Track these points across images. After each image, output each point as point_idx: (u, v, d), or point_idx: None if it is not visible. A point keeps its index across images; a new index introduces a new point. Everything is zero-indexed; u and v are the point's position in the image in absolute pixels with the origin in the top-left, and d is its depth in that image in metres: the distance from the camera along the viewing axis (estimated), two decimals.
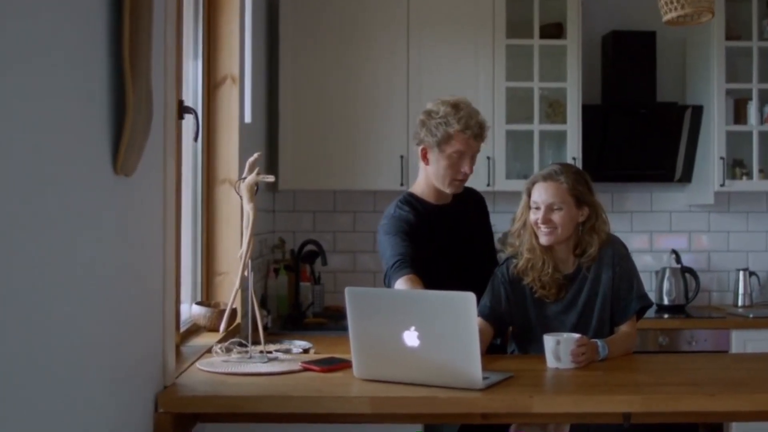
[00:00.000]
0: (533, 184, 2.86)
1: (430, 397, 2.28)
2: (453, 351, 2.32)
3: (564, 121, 4.70)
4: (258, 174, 2.71)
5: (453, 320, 2.32)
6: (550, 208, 2.79)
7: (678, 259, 4.90)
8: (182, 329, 3.03)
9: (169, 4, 2.34)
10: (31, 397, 1.49)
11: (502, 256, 3.06)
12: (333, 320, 4.31)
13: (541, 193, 2.81)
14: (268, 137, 4.62)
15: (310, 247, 4.50)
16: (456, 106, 2.99)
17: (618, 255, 2.87)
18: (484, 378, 2.32)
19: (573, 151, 4.63)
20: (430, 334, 2.35)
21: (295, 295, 4.47)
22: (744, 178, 4.80)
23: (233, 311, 2.88)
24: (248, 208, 2.70)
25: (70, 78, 1.68)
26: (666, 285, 4.79)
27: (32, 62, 1.49)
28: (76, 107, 1.72)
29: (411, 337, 2.35)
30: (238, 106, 3.61)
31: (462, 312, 2.30)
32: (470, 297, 2.29)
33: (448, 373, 2.33)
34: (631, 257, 2.93)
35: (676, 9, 2.77)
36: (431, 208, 3.09)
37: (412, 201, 3.09)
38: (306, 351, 3.10)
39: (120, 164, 1.91)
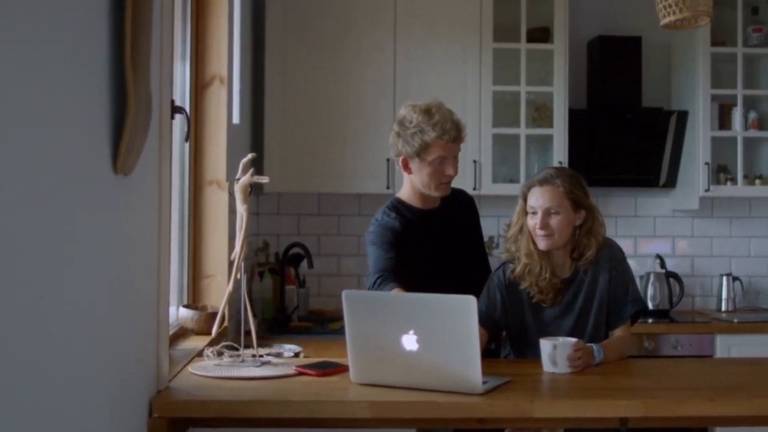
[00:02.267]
0: (529, 188, 2.83)
1: (430, 401, 2.25)
2: (453, 355, 2.29)
3: (550, 125, 4.70)
4: (252, 175, 2.66)
5: (453, 324, 2.29)
6: (547, 213, 2.77)
7: (662, 264, 4.91)
8: (170, 332, 2.98)
9: (164, 5, 2.30)
10: (26, 403, 1.45)
11: (491, 260, 3.03)
12: (318, 324, 4.28)
13: (537, 198, 2.79)
14: (253, 139, 4.57)
15: (295, 250, 4.46)
16: (428, 112, 2.92)
17: (615, 258, 2.86)
18: (483, 382, 2.29)
19: (559, 155, 4.62)
20: (429, 337, 2.32)
21: (280, 298, 4.42)
22: (728, 183, 4.83)
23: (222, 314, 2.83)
24: (242, 209, 2.65)
25: (71, 77, 1.65)
26: (650, 290, 4.80)
27: (34, 61, 1.46)
28: (78, 106, 1.69)
29: (410, 341, 2.32)
30: (226, 106, 3.57)
31: (462, 315, 2.27)
32: (471, 300, 2.26)
33: (448, 378, 2.30)
34: (627, 261, 2.92)
35: (674, 12, 2.76)
36: (419, 214, 3.06)
37: (399, 207, 3.06)
38: (297, 355, 3.06)
39: (120, 163, 1.87)
